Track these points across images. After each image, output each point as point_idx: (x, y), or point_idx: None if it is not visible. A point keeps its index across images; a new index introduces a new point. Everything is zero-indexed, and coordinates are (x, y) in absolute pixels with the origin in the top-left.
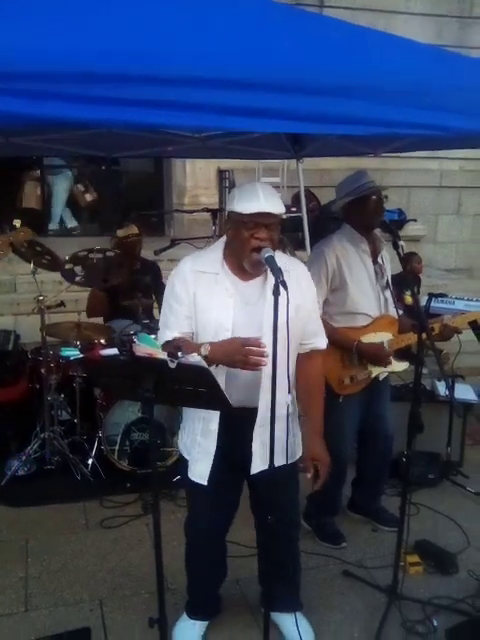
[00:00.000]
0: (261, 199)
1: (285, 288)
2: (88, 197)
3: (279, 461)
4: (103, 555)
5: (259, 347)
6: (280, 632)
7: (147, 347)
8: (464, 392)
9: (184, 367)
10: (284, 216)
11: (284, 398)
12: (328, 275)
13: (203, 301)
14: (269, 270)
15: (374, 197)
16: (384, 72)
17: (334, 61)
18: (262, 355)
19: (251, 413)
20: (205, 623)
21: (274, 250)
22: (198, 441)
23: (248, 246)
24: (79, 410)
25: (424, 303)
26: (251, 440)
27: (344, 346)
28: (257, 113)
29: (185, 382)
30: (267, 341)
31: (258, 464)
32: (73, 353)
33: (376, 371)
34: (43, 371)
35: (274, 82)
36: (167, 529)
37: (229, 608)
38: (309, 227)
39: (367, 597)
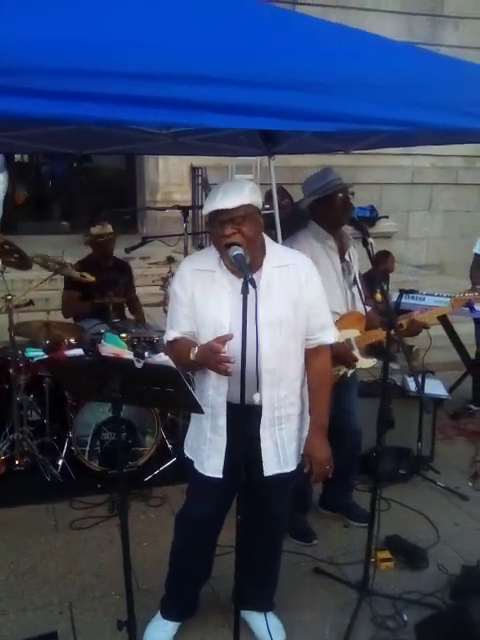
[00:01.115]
0: (217, 198)
1: (254, 286)
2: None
3: (291, 465)
4: (73, 557)
5: (223, 349)
6: (250, 631)
7: (113, 347)
8: (434, 387)
9: (151, 367)
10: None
11: (292, 396)
12: None
13: (201, 299)
14: (239, 268)
15: (340, 195)
16: (355, 69)
17: (305, 58)
18: (226, 361)
19: (253, 410)
20: (177, 624)
21: (248, 242)
22: (209, 437)
23: (221, 244)
24: (49, 410)
25: (395, 299)
26: (257, 439)
27: None
28: (226, 109)
29: (152, 382)
30: (262, 338)
31: (273, 465)
32: (37, 354)
33: (345, 368)
34: (11, 371)
35: (244, 78)
36: (138, 529)
37: (200, 608)
38: (281, 224)
39: (338, 594)
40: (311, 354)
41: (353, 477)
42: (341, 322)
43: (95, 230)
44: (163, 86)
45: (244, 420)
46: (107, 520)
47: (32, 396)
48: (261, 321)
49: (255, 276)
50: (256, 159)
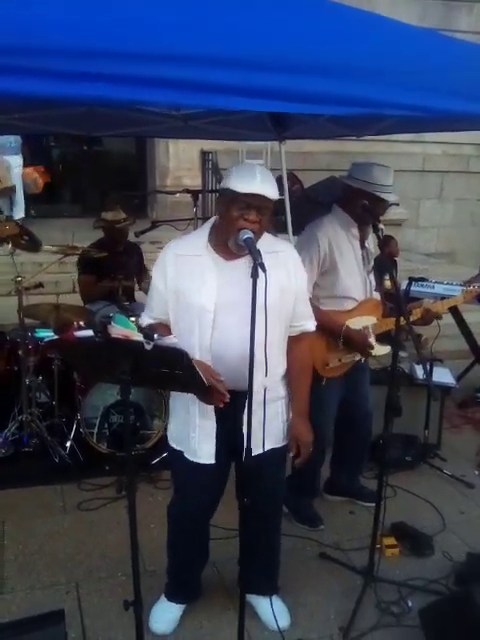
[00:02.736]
0: (257, 180)
1: (263, 270)
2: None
3: (269, 444)
4: (80, 538)
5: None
6: (256, 614)
7: (123, 329)
8: (442, 376)
9: (160, 349)
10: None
11: (276, 381)
12: (319, 258)
13: (185, 284)
14: (248, 251)
15: (384, 204)
16: (369, 52)
17: (318, 41)
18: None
19: (242, 396)
20: (183, 606)
21: (261, 233)
22: (198, 423)
23: (235, 226)
24: (57, 392)
25: (404, 287)
26: (242, 424)
27: (331, 329)
28: (237, 91)
29: (161, 364)
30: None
31: (257, 446)
32: (47, 334)
33: (360, 355)
34: (21, 353)
35: (256, 60)
36: (145, 511)
37: (206, 590)
38: (291, 210)
39: (343, 579)
40: (294, 341)
41: (365, 460)
42: (359, 309)
43: (108, 215)
44: (174, 67)
45: (240, 405)
46: (114, 502)
47: (41, 378)
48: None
49: (244, 259)
50: (267, 144)
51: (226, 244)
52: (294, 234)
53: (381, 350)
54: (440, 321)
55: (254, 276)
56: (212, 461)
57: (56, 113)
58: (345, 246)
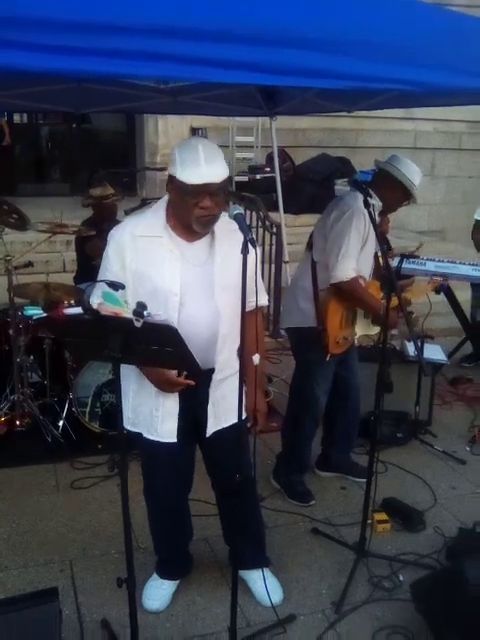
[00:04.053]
0: (202, 166)
1: (254, 246)
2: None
3: (230, 419)
4: (73, 516)
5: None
6: (249, 589)
7: (112, 306)
8: (434, 353)
9: (150, 326)
10: (258, 177)
11: (233, 357)
12: (364, 235)
13: (146, 267)
14: (239, 227)
15: (409, 200)
16: (360, 25)
17: (308, 14)
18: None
19: (207, 374)
20: (175, 582)
21: (220, 212)
22: (161, 402)
23: (192, 214)
24: (49, 372)
25: (396, 264)
26: (206, 402)
27: (371, 305)
28: (225, 64)
29: (151, 341)
30: (219, 302)
31: (212, 424)
32: (36, 312)
33: (360, 332)
34: (11, 332)
35: (245, 33)
36: (137, 489)
37: (198, 566)
38: (283, 188)
39: (335, 554)
40: (249, 316)
41: (355, 435)
42: (368, 287)
43: (96, 191)
44: (162, 40)
45: (205, 382)
46: (107, 480)
47: (32, 357)
48: (217, 285)
49: (205, 240)
50: (257, 120)
51: (185, 226)
52: (285, 212)
53: (376, 329)
54: (431, 299)
55: (244, 252)
56: (174, 440)
57: (44, 89)
58: (370, 228)
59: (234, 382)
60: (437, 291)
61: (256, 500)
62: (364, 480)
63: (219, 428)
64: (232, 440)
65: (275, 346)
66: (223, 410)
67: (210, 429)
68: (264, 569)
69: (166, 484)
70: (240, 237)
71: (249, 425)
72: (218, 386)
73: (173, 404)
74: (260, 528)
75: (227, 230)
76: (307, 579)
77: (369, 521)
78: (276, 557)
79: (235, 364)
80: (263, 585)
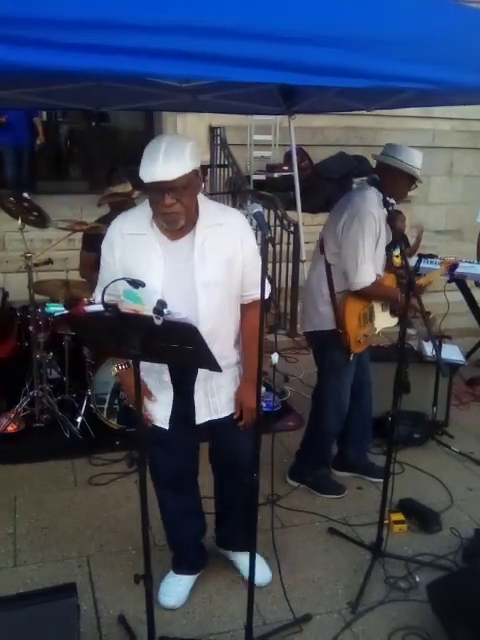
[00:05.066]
0: (159, 163)
1: (272, 245)
2: None
3: (226, 411)
4: (91, 512)
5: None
6: (237, 570)
7: (132, 303)
8: (451, 353)
9: (170, 324)
10: (275, 175)
11: (226, 350)
12: (376, 235)
13: (131, 263)
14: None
15: (416, 183)
16: (380, 23)
17: (328, 11)
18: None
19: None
20: (191, 578)
21: (187, 210)
22: (155, 392)
23: (156, 211)
24: (68, 368)
25: (413, 263)
26: (193, 393)
27: (391, 299)
28: (247, 63)
29: (171, 339)
30: (200, 299)
31: (203, 414)
32: (57, 309)
33: (379, 326)
34: (31, 329)
35: (266, 32)
36: None
37: (215, 564)
38: (300, 186)
39: (351, 554)
40: (246, 309)
41: (370, 432)
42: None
43: (116, 189)
44: (184, 39)
45: (194, 376)
46: (124, 476)
47: (51, 354)
48: (198, 282)
49: (188, 237)
50: (276, 119)
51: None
52: (303, 210)
53: (394, 321)
54: (449, 299)
55: (263, 251)
56: (166, 426)
57: (64, 87)
58: (383, 223)
59: (233, 373)
60: (450, 279)
61: (251, 488)
62: (380, 480)
63: (215, 418)
64: (232, 430)
65: (292, 345)
66: (219, 400)
67: (201, 418)
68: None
69: (166, 464)
70: (228, 231)
71: (235, 416)
72: (209, 378)
73: (167, 394)
74: (256, 513)
75: (213, 225)
76: (323, 579)
77: (386, 521)
78: (292, 556)
79: (231, 356)
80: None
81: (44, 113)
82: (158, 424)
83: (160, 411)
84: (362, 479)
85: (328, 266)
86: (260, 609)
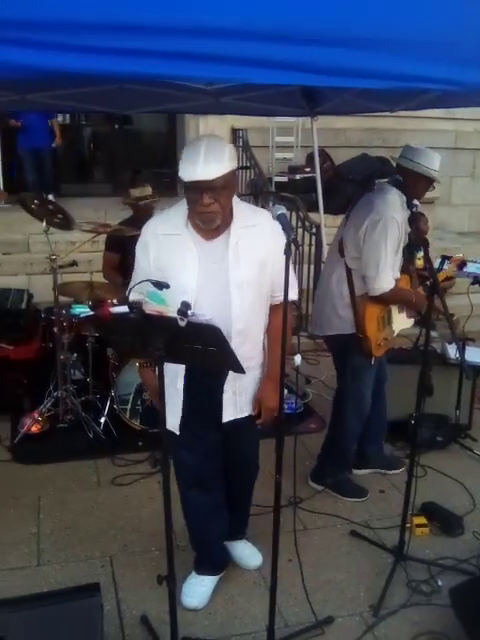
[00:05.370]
0: (199, 164)
1: (296, 246)
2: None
3: (247, 410)
4: (114, 512)
5: None
6: (232, 556)
7: (157, 305)
8: (475, 355)
9: (194, 325)
10: (297, 177)
11: (255, 350)
12: (399, 240)
13: (166, 263)
14: (282, 228)
15: (433, 187)
16: (404, 23)
17: (351, 11)
18: None
19: None
20: (214, 579)
21: (224, 213)
22: (168, 396)
23: (194, 210)
24: (92, 369)
25: (437, 265)
26: (222, 391)
27: (409, 303)
28: (274, 65)
29: (195, 341)
30: (233, 299)
31: (229, 413)
32: (83, 310)
33: (397, 329)
34: (56, 330)
35: (290, 33)
36: (177, 488)
37: (236, 565)
38: (323, 188)
39: (373, 557)
40: (274, 309)
41: (386, 425)
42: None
43: (135, 192)
44: (215, 42)
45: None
46: (147, 477)
47: (75, 355)
48: (232, 282)
49: (223, 237)
50: (298, 120)
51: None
52: (325, 213)
53: (409, 323)
54: (473, 300)
55: (287, 253)
56: (176, 431)
57: (87, 90)
58: (405, 226)
59: (258, 374)
60: (473, 281)
61: (253, 483)
62: (398, 472)
63: (237, 417)
64: (249, 429)
65: (313, 347)
66: (245, 400)
67: (227, 417)
68: (245, 539)
69: (191, 464)
70: (261, 232)
71: (253, 413)
72: (238, 377)
73: (178, 400)
74: (249, 506)
75: (246, 225)
76: (345, 581)
77: (408, 525)
78: (314, 559)
79: (258, 357)
80: (245, 552)
81: (60, 115)
82: (168, 427)
83: (171, 417)
84: (384, 481)
85: (349, 271)
86: (282, 611)
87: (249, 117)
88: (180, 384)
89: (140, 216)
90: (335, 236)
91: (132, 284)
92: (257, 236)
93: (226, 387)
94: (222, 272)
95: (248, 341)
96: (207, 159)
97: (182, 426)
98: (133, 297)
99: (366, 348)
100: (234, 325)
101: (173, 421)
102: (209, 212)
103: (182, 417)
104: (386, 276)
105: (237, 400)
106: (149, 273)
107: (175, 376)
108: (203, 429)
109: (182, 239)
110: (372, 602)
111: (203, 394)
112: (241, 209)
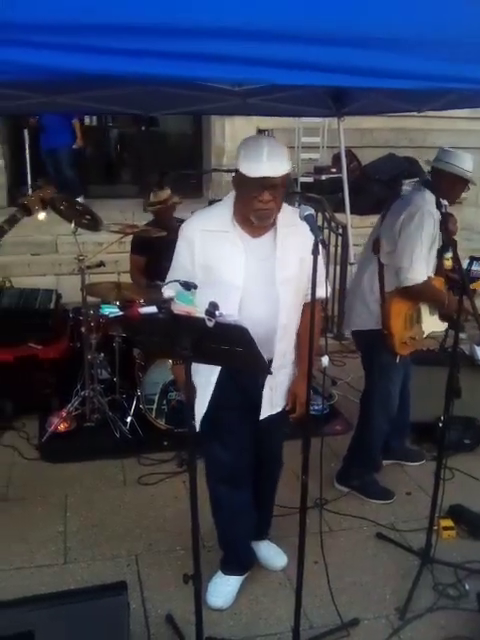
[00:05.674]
0: (264, 161)
1: (324, 247)
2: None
3: (279, 407)
4: (140, 511)
5: None
6: (256, 556)
7: (185, 305)
8: None
9: (221, 326)
10: (323, 177)
11: (291, 346)
12: (434, 236)
13: (213, 260)
14: (309, 228)
15: (468, 188)
16: (432, 23)
17: (381, 12)
18: None
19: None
20: (240, 579)
21: (278, 211)
22: (198, 391)
23: (251, 207)
24: (118, 369)
25: (465, 266)
26: (261, 387)
27: (441, 302)
28: (299, 66)
29: (222, 341)
30: (281, 295)
31: (266, 409)
32: (112, 310)
33: (427, 330)
34: (83, 330)
35: (317, 34)
36: (203, 487)
37: (261, 566)
38: (349, 188)
39: (400, 560)
40: (307, 306)
41: (409, 420)
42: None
43: (153, 196)
44: (243, 43)
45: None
46: (173, 477)
47: (103, 355)
48: (278, 279)
49: (269, 235)
50: (324, 121)
51: (248, 220)
52: (352, 213)
53: (441, 326)
54: None
55: (315, 253)
56: (196, 429)
57: (114, 92)
58: (437, 226)
59: (291, 371)
60: None
61: (277, 480)
62: (418, 464)
63: (273, 413)
64: (279, 425)
65: (339, 348)
66: (279, 396)
67: (264, 413)
68: (269, 539)
69: (225, 460)
70: (302, 231)
71: (287, 408)
72: (276, 374)
73: (207, 394)
74: (271, 505)
75: (289, 225)
76: (371, 583)
77: (435, 527)
78: (340, 560)
79: (293, 354)
80: (270, 553)
81: (87, 117)
82: (197, 418)
83: (197, 409)
84: (411, 482)
85: (381, 266)
86: (307, 612)
87: (275, 118)
88: (214, 377)
89: (162, 218)
90: (370, 236)
91: (167, 280)
92: (298, 235)
93: (265, 383)
94: (269, 269)
95: (287, 336)
96: (271, 156)
97: (217, 422)
98: (167, 293)
99: (390, 345)
100: (279, 320)
101: (199, 412)
102: (267, 209)
103: (217, 411)
104: (420, 267)
105: (273, 396)
106: (189, 271)
107: (211, 371)
108: (240, 425)
109: (229, 236)
110: (398, 605)
111: (240, 391)
112: (284, 209)
